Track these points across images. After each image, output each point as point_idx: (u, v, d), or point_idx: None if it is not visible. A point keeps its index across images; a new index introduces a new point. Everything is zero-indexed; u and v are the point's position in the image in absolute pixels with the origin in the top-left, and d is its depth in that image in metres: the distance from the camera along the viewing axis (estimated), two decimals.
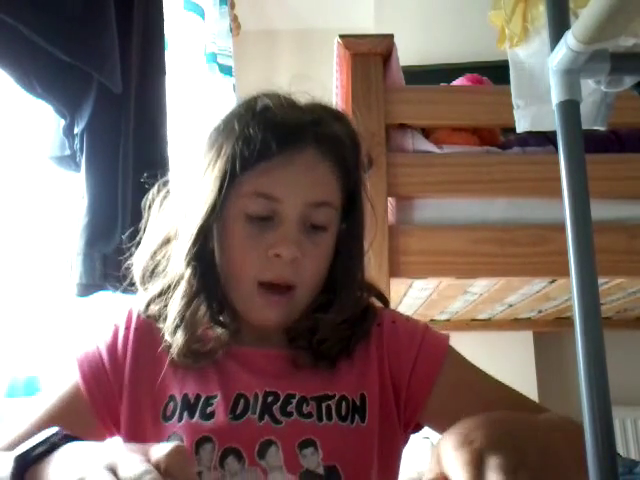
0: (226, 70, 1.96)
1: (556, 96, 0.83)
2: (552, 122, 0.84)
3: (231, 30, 2.09)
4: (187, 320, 0.63)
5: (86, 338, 0.69)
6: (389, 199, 1.39)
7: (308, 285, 0.65)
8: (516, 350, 2.43)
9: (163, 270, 0.67)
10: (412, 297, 1.86)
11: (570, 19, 0.83)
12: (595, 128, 0.95)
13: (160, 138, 1.18)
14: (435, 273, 1.40)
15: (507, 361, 2.40)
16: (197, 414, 0.61)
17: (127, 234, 0.72)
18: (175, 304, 0.64)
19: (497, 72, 1.32)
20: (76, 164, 1.05)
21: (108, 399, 0.64)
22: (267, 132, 0.61)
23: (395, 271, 1.34)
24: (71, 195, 1.07)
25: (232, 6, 2.18)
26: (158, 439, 0.60)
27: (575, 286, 0.77)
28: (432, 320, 2.42)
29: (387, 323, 0.70)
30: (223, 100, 1.91)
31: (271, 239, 0.62)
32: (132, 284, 0.71)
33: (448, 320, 2.43)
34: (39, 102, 0.98)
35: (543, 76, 0.99)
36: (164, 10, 1.26)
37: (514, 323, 2.43)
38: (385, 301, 0.75)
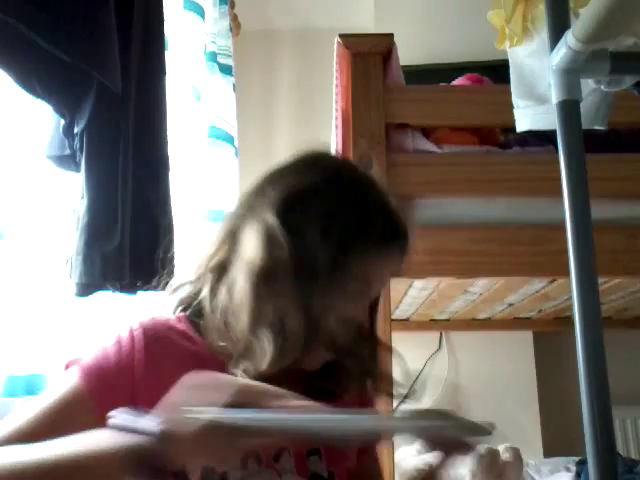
0: (226, 70, 1.95)
1: (556, 95, 0.82)
2: (552, 122, 0.84)
3: (231, 30, 2.08)
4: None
5: (88, 345, 0.72)
6: None
7: None
8: (516, 350, 2.43)
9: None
10: (412, 297, 1.86)
11: (570, 19, 0.83)
12: (595, 128, 0.95)
13: (160, 138, 1.18)
14: (435, 272, 1.40)
15: (507, 361, 2.40)
16: None
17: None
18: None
19: (497, 72, 1.32)
20: (76, 164, 1.05)
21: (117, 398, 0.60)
22: None
23: None
24: (71, 195, 1.07)
25: (232, 5, 2.18)
26: None
27: (575, 286, 0.77)
28: (432, 320, 2.42)
29: None
30: (223, 100, 1.91)
31: None
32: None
33: (448, 320, 2.43)
34: (39, 102, 0.98)
35: (543, 76, 0.99)
36: (164, 10, 1.25)
37: (514, 323, 2.43)
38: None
